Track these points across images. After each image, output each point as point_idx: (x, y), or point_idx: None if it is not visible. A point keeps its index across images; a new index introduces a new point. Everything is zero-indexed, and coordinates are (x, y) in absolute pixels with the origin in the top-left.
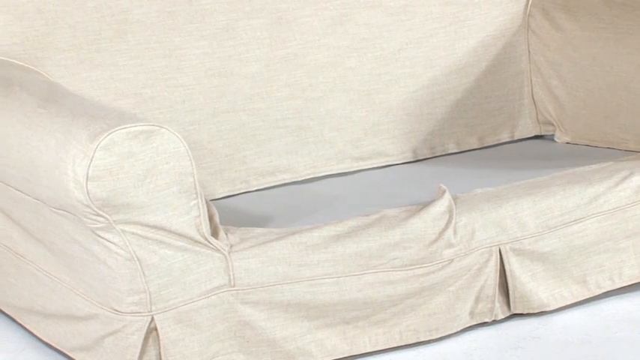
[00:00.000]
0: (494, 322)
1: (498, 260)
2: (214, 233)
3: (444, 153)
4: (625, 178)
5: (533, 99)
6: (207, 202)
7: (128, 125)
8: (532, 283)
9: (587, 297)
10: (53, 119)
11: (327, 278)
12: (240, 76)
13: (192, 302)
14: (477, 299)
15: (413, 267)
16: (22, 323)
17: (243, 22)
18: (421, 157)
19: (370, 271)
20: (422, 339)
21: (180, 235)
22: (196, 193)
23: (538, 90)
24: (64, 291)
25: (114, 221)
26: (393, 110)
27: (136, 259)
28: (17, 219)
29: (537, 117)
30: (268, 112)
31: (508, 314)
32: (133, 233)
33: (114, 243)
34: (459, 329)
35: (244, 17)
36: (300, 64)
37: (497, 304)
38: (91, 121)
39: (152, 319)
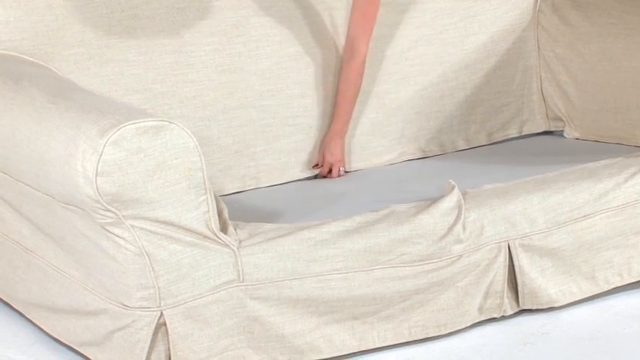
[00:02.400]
0: (503, 317)
1: (507, 256)
2: (223, 229)
3: (453, 150)
4: (634, 173)
5: (542, 95)
6: (216, 198)
7: (137, 121)
8: (541, 279)
9: (596, 293)
10: (63, 115)
11: (336, 274)
12: (251, 73)
13: (201, 297)
14: (486, 295)
15: (422, 262)
16: (32, 318)
17: (253, 19)
18: (430, 154)
19: (379, 267)
20: (431, 334)
21: (189, 230)
22: (205, 189)
23: (547, 86)
24: (74, 286)
25: (123, 216)
26: (403, 108)
27: (145, 254)
28: (27, 214)
29: (547, 113)
30: (278, 109)
31: (517, 310)
32: (142, 228)
33: (123, 238)
34: (467, 325)
35: (254, 14)
36: (310, 62)
37: (506, 300)
38: (100, 117)
39: (161, 314)
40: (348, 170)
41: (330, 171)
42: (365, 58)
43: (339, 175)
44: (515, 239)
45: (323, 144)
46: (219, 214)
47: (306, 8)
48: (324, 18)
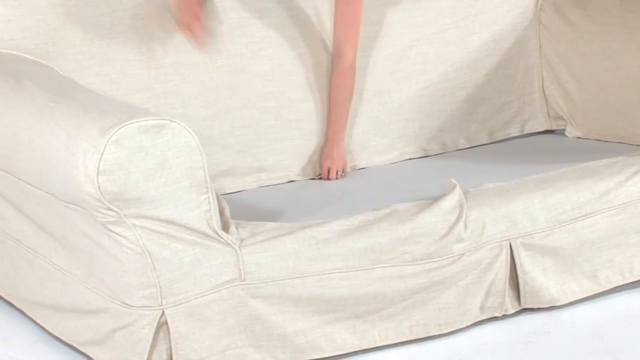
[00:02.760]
0: (505, 316)
1: (509, 255)
2: (225, 227)
3: (454, 149)
4: (636, 172)
5: (543, 93)
6: (217, 197)
7: (139, 119)
8: (542, 278)
9: (598, 292)
10: (64, 113)
11: (338, 272)
12: (253, 74)
13: (203, 296)
14: (487, 294)
15: (423, 261)
16: (33, 317)
17: (255, 20)
18: (432, 153)
19: (380, 266)
20: (432, 333)
21: (190, 229)
22: (207, 188)
23: (549, 84)
24: (75, 285)
25: (124, 215)
26: (404, 107)
27: (146, 253)
28: (28, 213)
29: (548, 111)
30: (281, 110)
31: (518, 309)
32: (143, 227)
33: (124, 237)
34: (469, 324)
35: (256, 16)
36: (312, 64)
37: (507, 299)
38: (101, 116)
39: (163, 313)
40: (345, 171)
41: (329, 174)
42: (352, 63)
43: (336, 178)
44: (517, 238)
45: (321, 150)
46: (221, 212)
47: (309, 11)
48: (326, 21)
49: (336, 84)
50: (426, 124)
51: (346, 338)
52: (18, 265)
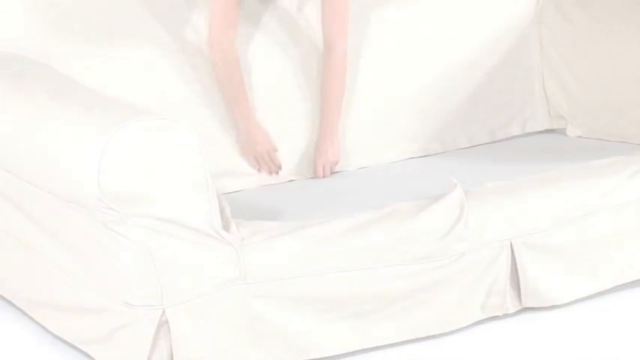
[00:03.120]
0: (505, 315)
1: (509, 254)
2: (225, 227)
3: (455, 148)
4: (637, 171)
5: (544, 92)
6: (218, 196)
7: (140, 119)
8: (543, 277)
9: (599, 291)
10: (65, 113)
11: (339, 272)
12: (254, 74)
13: (204, 295)
14: (488, 293)
15: (424, 261)
16: (34, 316)
17: (255, 20)
18: (432, 153)
19: (381, 265)
20: (433, 333)
21: (191, 228)
22: (207, 187)
23: (550, 83)
24: (76, 284)
25: (125, 214)
26: (405, 106)
27: (147, 252)
28: (29, 212)
29: (549, 111)
30: (281, 110)
31: (519, 308)
32: (144, 226)
33: (125, 236)
34: (469, 323)
35: (257, 15)
36: (312, 63)
37: (508, 298)
38: (103, 115)
39: (163, 312)
40: (338, 170)
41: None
42: (344, 56)
43: (326, 175)
44: (518, 237)
45: (315, 147)
46: (222, 212)
47: (310, 10)
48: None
49: (327, 79)
50: (426, 123)
51: (347, 337)
52: (19, 265)
